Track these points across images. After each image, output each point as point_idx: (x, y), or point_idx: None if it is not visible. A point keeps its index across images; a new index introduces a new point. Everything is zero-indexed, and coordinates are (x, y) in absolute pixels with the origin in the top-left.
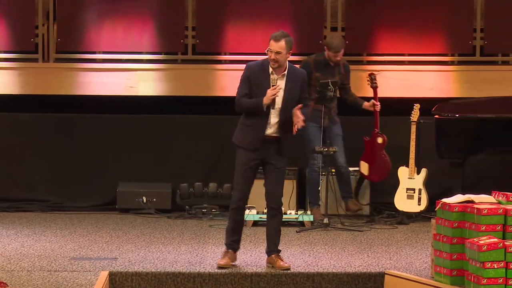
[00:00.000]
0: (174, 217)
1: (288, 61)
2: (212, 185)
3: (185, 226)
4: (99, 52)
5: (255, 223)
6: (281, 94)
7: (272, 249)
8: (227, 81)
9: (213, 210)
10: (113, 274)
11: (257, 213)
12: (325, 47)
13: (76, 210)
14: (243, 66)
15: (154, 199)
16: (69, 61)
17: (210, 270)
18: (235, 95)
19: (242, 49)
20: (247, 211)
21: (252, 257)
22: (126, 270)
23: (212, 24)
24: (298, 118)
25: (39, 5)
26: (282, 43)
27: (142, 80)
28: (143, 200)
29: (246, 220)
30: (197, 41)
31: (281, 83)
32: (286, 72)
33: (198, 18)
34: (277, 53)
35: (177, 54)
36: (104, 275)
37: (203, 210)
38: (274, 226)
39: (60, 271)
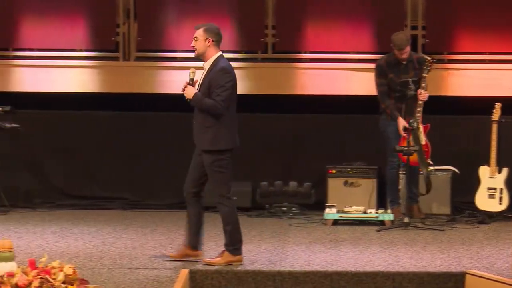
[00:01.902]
0: (254, 216)
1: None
2: (292, 183)
3: (265, 225)
4: (179, 51)
5: (335, 222)
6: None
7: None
8: (307, 79)
9: (293, 208)
10: (193, 272)
11: (337, 211)
12: (391, 45)
13: (157, 208)
14: (323, 64)
15: (234, 198)
16: (149, 59)
17: (290, 269)
18: (315, 93)
19: (321, 48)
20: (327, 210)
21: (332, 255)
22: (206, 268)
23: (292, 23)
24: None
25: (119, 3)
26: (200, 30)
27: None
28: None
29: (326, 219)
30: (277, 39)
31: (203, 75)
32: (207, 65)
33: (278, 17)
34: (194, 39)
35: (257, 53)
36: (184, 273)
37: (283, 209)
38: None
39: (141, 269)
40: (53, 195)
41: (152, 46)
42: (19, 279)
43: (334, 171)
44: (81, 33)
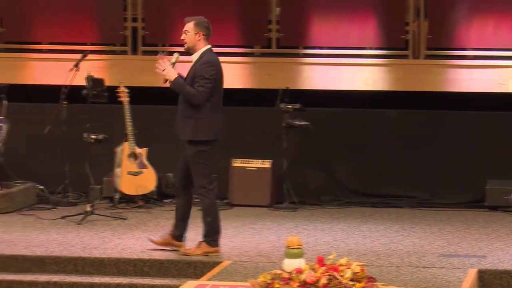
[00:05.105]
0: None
1: None
2: None
3: None
4: (469, 49)
5: None
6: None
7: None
8: None
9: None
10: (482, 272)
11: None
12: None
13: (445, 207)
14: None
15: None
16: (439, 57)
17: None
18: None
19: None
20: None
21: None
22: (495, 268)
23: None
24: None
25: (410, 2)
26: (191, 24)
27: None
28: (511, 198)
29: None
30: None
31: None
32: (194, 58)
33: None
34: (184, 32)
35: None
36: (472, 273)
37: None
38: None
39: (429, 268)
40: (340, 192)
41: (442, 45)
42: (307, 275)
43: None
44: (370, 31)
